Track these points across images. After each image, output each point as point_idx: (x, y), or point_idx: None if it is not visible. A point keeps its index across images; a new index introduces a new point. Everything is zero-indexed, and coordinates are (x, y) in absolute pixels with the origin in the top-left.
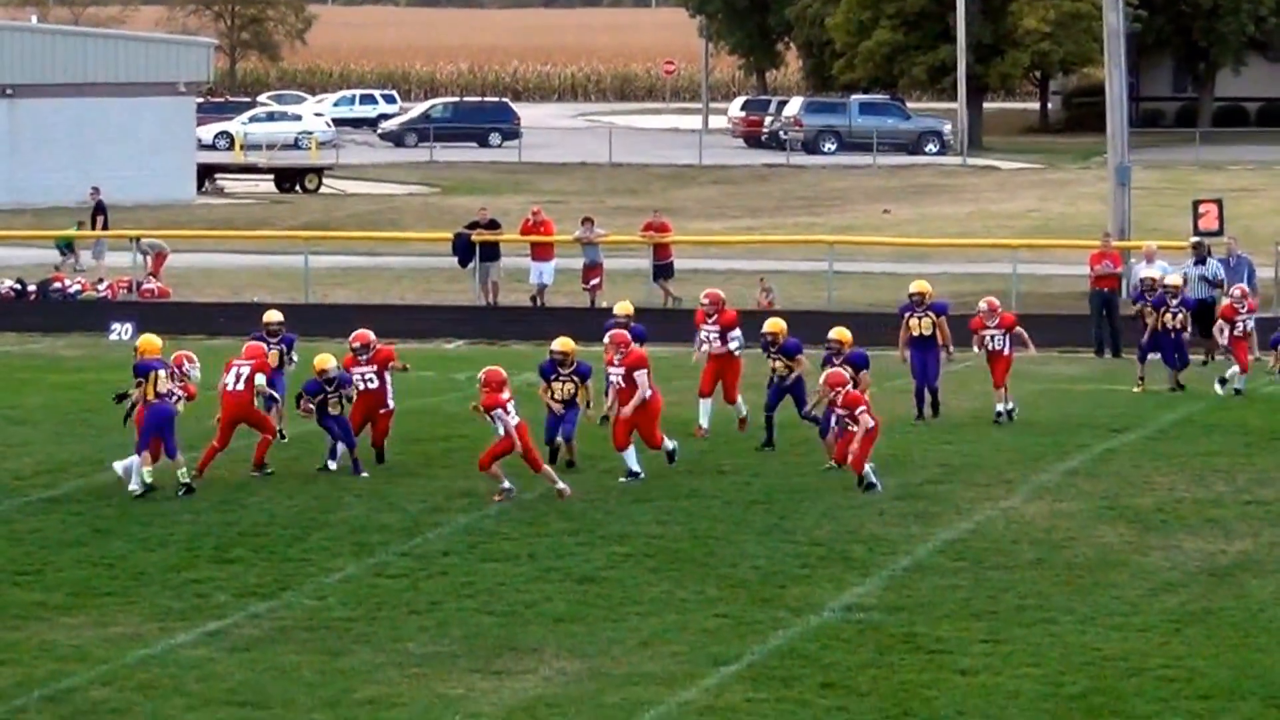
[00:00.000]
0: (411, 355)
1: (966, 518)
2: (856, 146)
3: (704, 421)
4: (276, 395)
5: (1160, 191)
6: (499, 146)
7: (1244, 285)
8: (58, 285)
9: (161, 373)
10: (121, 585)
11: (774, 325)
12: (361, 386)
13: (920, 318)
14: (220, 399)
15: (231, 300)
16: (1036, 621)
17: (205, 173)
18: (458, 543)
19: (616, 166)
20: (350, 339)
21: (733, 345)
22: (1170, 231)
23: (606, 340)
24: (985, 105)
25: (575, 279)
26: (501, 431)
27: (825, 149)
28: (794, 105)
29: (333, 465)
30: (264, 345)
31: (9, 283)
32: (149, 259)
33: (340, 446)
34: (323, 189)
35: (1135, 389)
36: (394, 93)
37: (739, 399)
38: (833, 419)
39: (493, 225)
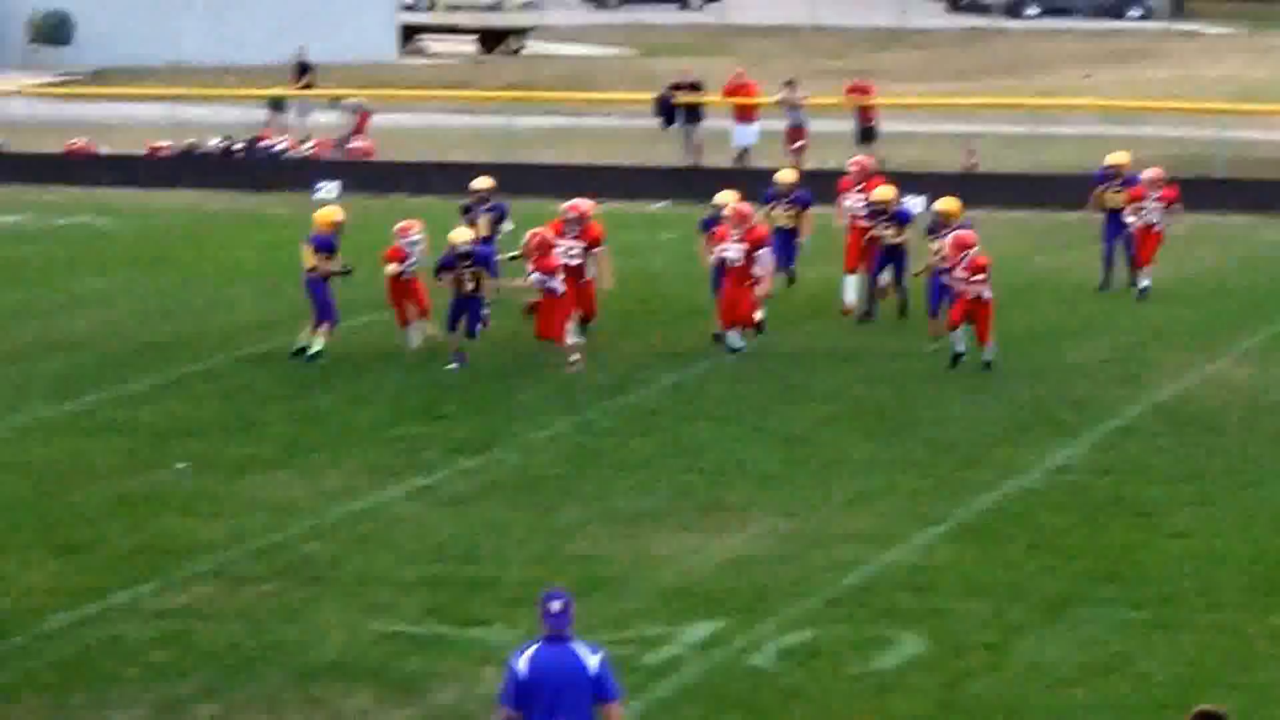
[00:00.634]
0: (616, 216)
1: (1174, 381)
2: (1059, 10)
3: (850, 296)
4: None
5: None
6: (700, 9)
7: None
8: (264, 144)
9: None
10: (330, 440)
11: (883, 193)
12: (564, 260)
13: (1117, 191)
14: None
15: (435, 160)
16: (1245, 485)
17: (408, 33)
18: (665, 401)
19: (818, 30)
20: (566, 207)
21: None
22: None
23: (726, 214)
24: None
25: (778, 142)
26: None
27: (1028, 13)
28: None
29: (453, 367)
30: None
31: (216, 141)
32: (354, 117)
33: (454, 335)
34: (525, 50)
35: None
36: None
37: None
38: (943, 294)
39: (695, 87)
